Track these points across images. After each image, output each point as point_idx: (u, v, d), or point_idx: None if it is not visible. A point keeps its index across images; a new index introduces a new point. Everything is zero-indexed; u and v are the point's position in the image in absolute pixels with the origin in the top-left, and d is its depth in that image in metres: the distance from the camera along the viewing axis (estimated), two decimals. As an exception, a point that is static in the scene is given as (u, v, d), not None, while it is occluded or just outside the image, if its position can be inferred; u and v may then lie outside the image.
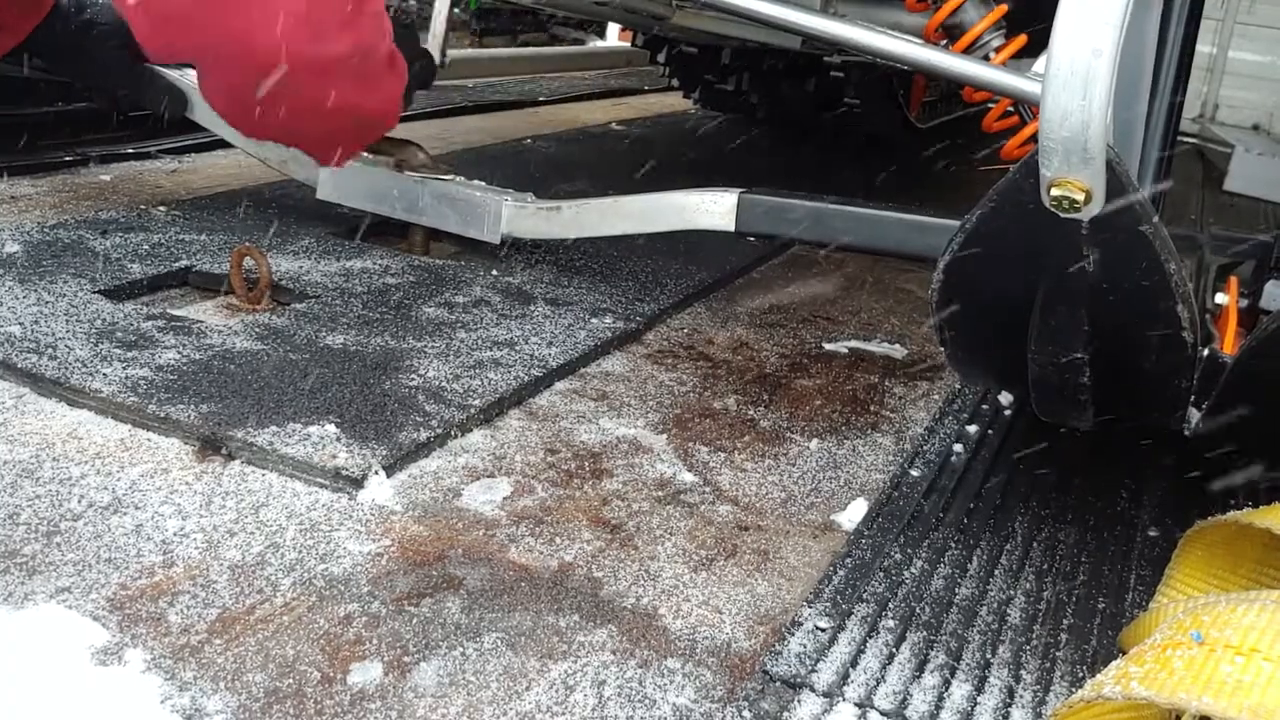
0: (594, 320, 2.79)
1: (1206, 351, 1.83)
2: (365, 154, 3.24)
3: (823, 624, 1.65)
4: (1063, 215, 1.49)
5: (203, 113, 3.41)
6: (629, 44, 6.66)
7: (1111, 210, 1.48)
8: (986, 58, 2.84)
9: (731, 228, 2.76)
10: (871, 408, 2.55)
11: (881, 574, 1.82)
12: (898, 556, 1.88)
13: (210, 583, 1.59)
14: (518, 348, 2.53)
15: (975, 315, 1.83)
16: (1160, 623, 1.49)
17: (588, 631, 1.60)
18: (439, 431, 2.09)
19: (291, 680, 1.41)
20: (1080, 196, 1.45)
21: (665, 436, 2.26)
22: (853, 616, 1.68)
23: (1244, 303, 2.19)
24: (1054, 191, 1.46)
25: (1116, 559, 1.97)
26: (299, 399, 2.12)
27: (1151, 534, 2.07)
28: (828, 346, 2.93)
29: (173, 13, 1.92)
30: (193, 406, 2.03)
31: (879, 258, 3.40)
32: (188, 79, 3.43)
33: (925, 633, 1.67)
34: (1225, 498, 2.19)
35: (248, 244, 2.63)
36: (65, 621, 1.46)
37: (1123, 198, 1.48)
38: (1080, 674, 1.62)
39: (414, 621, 1.56)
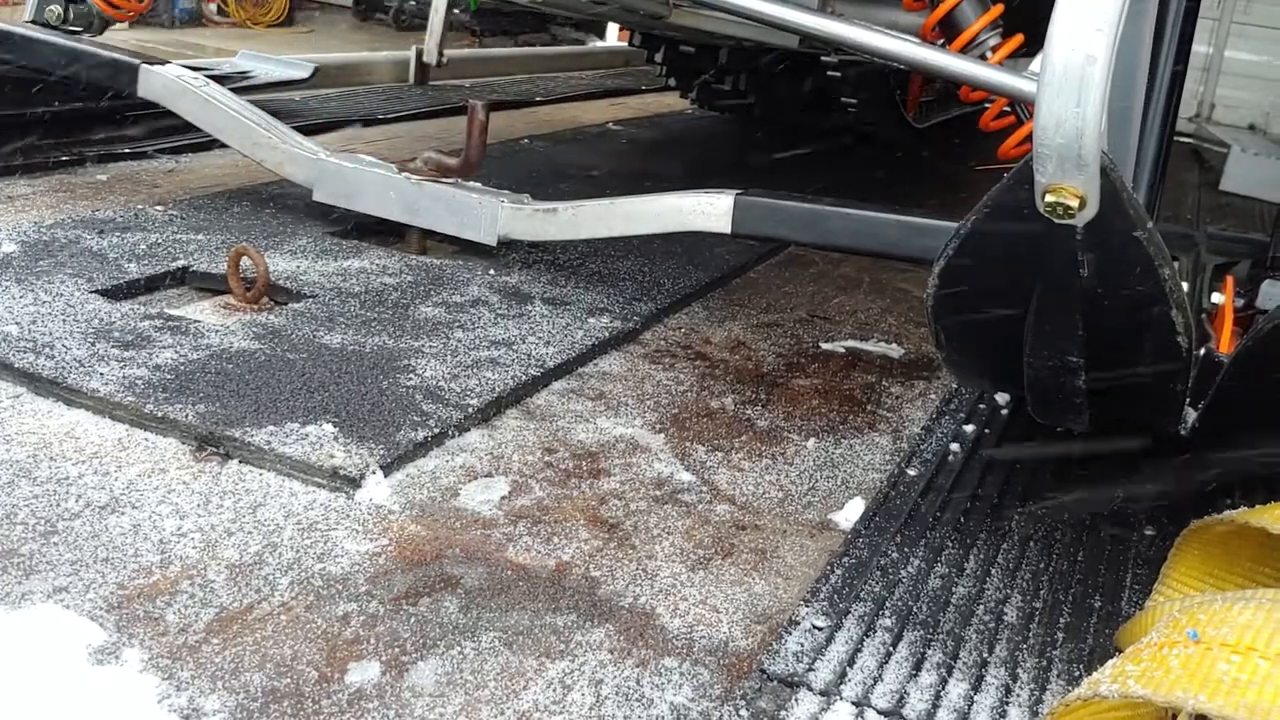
0: (591, 320, 2.79)
1: (1202, 351, 1.84)
2: (369, 157, 3.24)
3: (820, 623, 1.66)
4: (1057, 221, 1.49)
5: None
6: (626, 44, 6.66)
7: (1105, 216, 1.48)
8: (983, 57, 2.85)
9: (728, 229, 2.76)
10: (868, 407, 2.55)
11: (878, 573, 1.82)
12: (895, 555, 1.88)
13: (208, 582, 1.59)
14: (515, 347, 2.54)
15: (971, 319, 1.83)
16: (1156, 621, 1.50)
17: (585, 631, 1.60)
18: (436, 431, 2.09)
19: (289, 679, 1.41)
20: (1074, 203, 1.46)
21: (663, 436, 2.26)
22: (850, 615, 1.69)
23: (1240, 302, 2.20)
24: (1048, 197, 1.47)
25: (1113, 558, 1.97)
26: (296, 399, 2.12)
27: (1148, 533, 2.08)
28: (825, 346, 2.93)
29: None
30: (190, 406, 2.03)
31: (876, 258, 3.41)
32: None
33: (922, 631, 1.67)
34: (1221, 497, 2.19)
35: (245, 244, 2.63)
36: (62, 621, 1.46)
37: (1116, 203, 1.48)
38: (1077, 672, 1.62)
39: (411, 621, 1.57)
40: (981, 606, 1.77)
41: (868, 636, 1.64)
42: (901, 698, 1.51)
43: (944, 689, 1.55)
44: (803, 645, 1.60)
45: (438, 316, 2.68)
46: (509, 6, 3.48)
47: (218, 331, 2.39)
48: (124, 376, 2.11)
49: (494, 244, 3.05)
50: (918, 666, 1.59)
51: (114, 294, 2.56)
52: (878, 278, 3.60)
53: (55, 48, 3.51)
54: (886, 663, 1.59)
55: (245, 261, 2.62)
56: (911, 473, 2.20)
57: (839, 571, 1.81)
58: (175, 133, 3.94)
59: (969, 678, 1.58)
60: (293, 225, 3.25)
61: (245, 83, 4.66)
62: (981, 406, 2.56)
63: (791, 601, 1.74)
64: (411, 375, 2.31)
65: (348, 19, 9.87)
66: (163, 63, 3.51)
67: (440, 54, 5.91)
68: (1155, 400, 1.88)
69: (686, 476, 2.11)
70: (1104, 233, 1.51)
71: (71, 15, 3.88)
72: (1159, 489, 2.17)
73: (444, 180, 3.11)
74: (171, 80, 3.40)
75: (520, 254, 3.26)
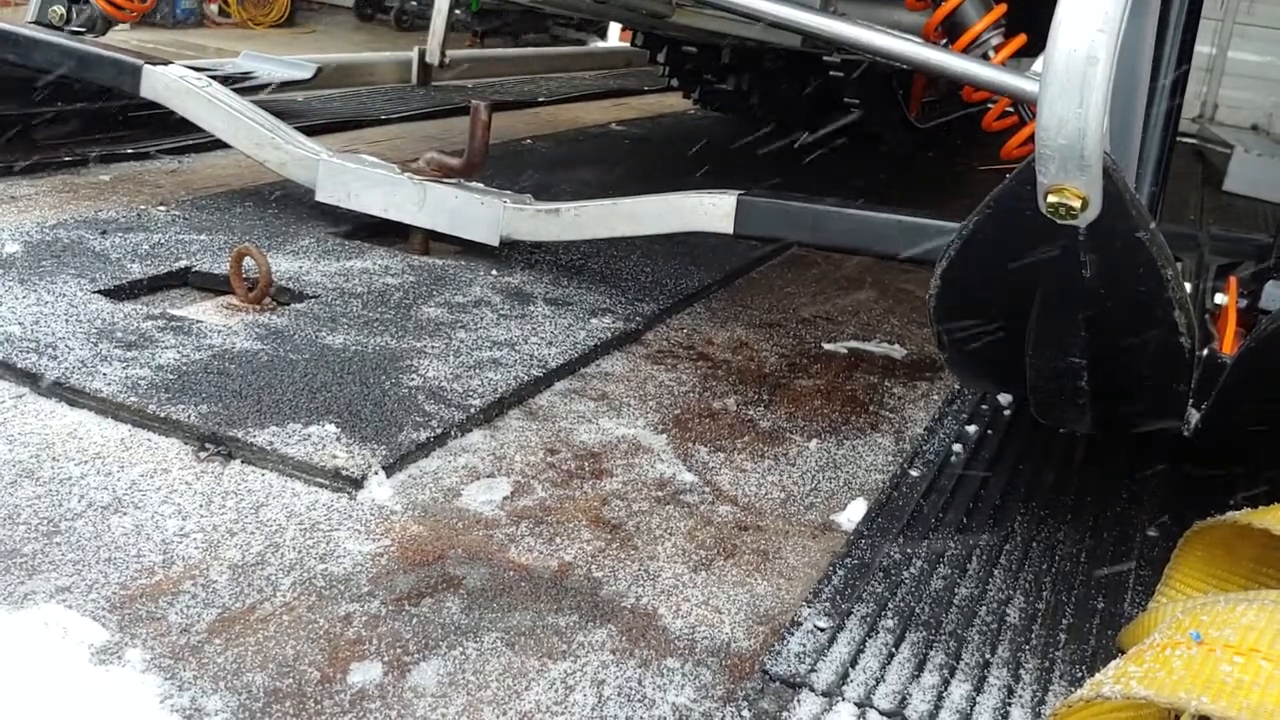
0: (594, 320, 2.79)
1: (1205, 352, 1.83)
2: (371, 158, 3.24)
3: (822, 624, 1.66)
4: (1059, 222, 1.49)
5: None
6: (629, 44, 6.65)
7: (1108, 217, 1.48)
8: (986, 57, 2.85)
9: (730, 230, 2.76)
10: (871, 408, 2.55)
11: (881, 574, 1.82)
12: (897, 556, 1.88)
13: (210, 582, 1.59)
14: (517, 348, 2.54)
15: (973, 320, 1.83)
16: (1159, 622, 1.50)
17: (587, 631, 1.60)
18: (439, 431, 2.09)
19: (291, 680, 1.41)
20: (1077, 203, 1.46)
21: (665, 436, 2.26)
22: (852, 616, 1.69)
23: (1243, 303, 2.19)
24: (1050, 198, 1.47)
25: (1115, 559, 1.97)
26: (299, 399, 2.12)
27: (1150, 534, 2.08)
28: (827, 347, 2.93)
29: None
30: (193, 406, 2.03)
31: (878, 258, 3.40)
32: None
33: (925, 632, 1.67)
34: (1224, 498, 2.19)
35: (247, 244, 2.63)
36: (65, 621, 1.46)
37: (1119, 204, 1.48)
38: (1079, 673, 1.62)
39: (414, 621, 1.57)
40: (984, 607, 1.77)
41: (870, 637, 1.64)
42: (904, 699, 1.51)
43: (946, 690, 1.55)
44: (805, 646, 1.60)
45: (440, 317, 2.68)
46: (511, 6, 3.49)
47: (220, 332, 2.39)
48: (126, 377, 2.11)
49: (497, 244, 3.06)
50: (920, 667, 1.59)
51: (117, 294, 2.57)
52: (880, 278, 3.60)
53: (58, 48, 3.52)
54: (889, 664, 1.59)
55: (248, 262, 2.62)
56: (914, 474, 2.20)
57: (841, 572, 1.81)
58: (178, 133, 3.94)
59: (971, 679, 1.58)
60: (295, 225, 3.26)
61: (248, 83, 4.67)
62: (984, 407, 2.56)
63: (794, 602, 1.74)
64: (414, 375, 2.31)
65: (349, 19, 9.88)
66: (165, 63, 3.51)
67: (443, 54, 5.92)
68: (1158, 401, 1.88)
69: (689, 477, 2.11)
70: (1106, 233, 1.51)
71: (74, 16, 3.89)
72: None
73: (447, 181, 3.11)
74: (174, 80, 3.41)
75: (523, 254, 3.26)
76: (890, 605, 1.73)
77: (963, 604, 1.77)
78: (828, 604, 1.71)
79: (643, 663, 1.55)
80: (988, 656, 1.64)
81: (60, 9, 3.84)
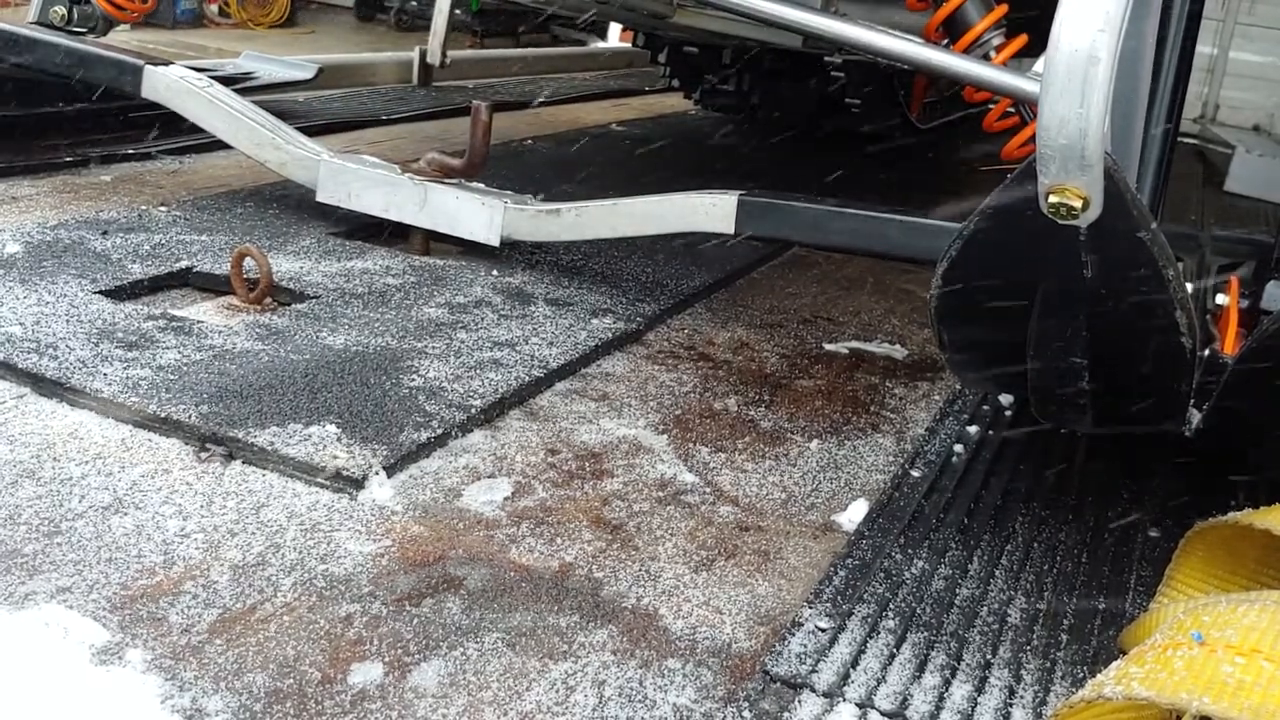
0: (595, 320, 2.79)
1: (1207, 353, 1.83)
2: (372, 158, 3.24)
3: (823, 624, 1.65)
4: (1060, 222, 1.49)
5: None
6: (629, 45, 6.65)
7: (1109, 217, 1.48)
8: (987, 57, 2.85)
9: (731, 230, 2.76)
10: (872, 408, 2.55)
11: (882, 574, 1.82)
12: (898, 557, 1.88)
13: (211, 583, 1.59)
14: (518, 348, 2.54)
15: (974, 320, 1.83)
16: (1161, 623, 1.50)
17: (588, 632, 1.60)
18: (439, 432, 2.09)
19: (292, 680, 1.41)
20: (1078, 204, 1.46)
21: (666, 437, 2.26)
22: (853, 617, 1.69)
23: (1245, 303, 2.19)
24: (1051, 198, 1.47)
25: (1117, 560, 1.97)
26: (299, 399, 2.12)
27: (1152, 535, 2.08)
28: (828, 347, 2.93)
29: None
30: (193, 407, 2.03)
31: (879, 259, 3.40)
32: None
33: (926, 633, 1.67)
34: (1225, 499, 2.19)
35: (248, 244, 2.63)
36: (65, 621, 1.46)
37: (1120, 204, 1.48)
38: (1081, 674, 1.62)
39: (414, 622, 1.57)
40: (985, 608, 1.76)
41: (871, 638, 1.64)
42: (905, 699, 1.51)
43: (947, 690, 1.55)
44: (806, 646, 1.60)
45: (441, 317, 2.68)
46: (511, 6, 3.49)
47: (221, 332, 2.39)
48: (127, 377, 2.11)
49: (497, 245, 3.05)
50: (921, 668, 1.59)
51: (117, 294, 2.57)
52: (881, 278, 3.60)
53: (59, 49, 3.52)
54: (890, 664, 1.58)
55: (249, 262, 2.62)
56: (915, 474, 2.20)
57: (842, 573, 1.81)
58: (179, 133, 3.94)
59: (973, 679, 1.58)
60: (296, 226, 3.26)
61: (249, 83, 4.66)
62: (985, 408, 2.55)
63: (795, 603, 1.73)
64: (414, 376, 2.31)
65: (349, 19, 9.88)
66: (167, 64, 3.51)
67: (443, 55, 5.92)
68: (1159, 401, 1.88)
69: (689, 478, 2.11)
70: (1108, 234, 1.51)
71: (75, 16, 3.89)
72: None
73: (447, 181, 3.11)
74: (175, 81, 3.41)
75: (523, 255, 3.26)
76: (891, 606, 1.73)
77: (964, 605, 1.76)
78: (829, 604, 1.71)
79: (644, 663, 1.55)
80: (989, 657, 1.63)
81: (61, 9, 3.85)
